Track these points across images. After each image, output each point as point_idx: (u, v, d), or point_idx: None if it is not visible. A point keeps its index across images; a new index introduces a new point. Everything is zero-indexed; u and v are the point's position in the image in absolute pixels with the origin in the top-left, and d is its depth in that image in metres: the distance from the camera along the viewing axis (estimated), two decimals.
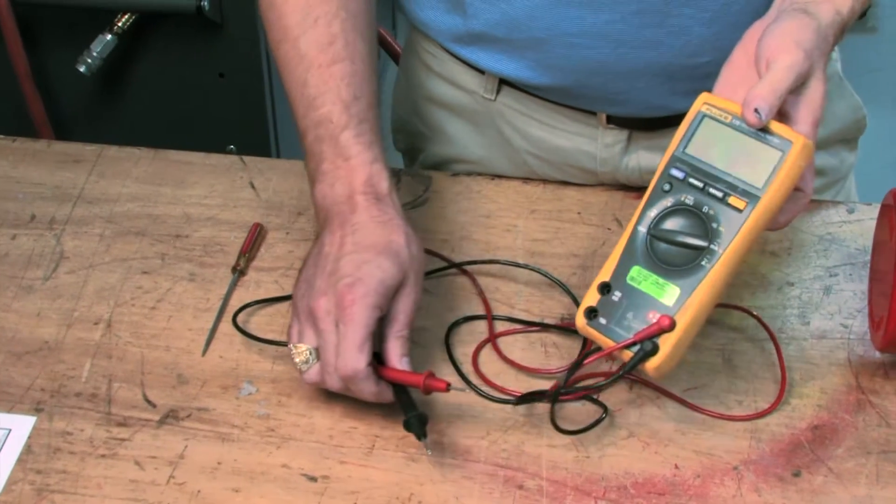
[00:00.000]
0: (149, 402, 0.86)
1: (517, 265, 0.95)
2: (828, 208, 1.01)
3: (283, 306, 0.93)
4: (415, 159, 1.18)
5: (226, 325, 0.92)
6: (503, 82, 1.04)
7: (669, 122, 1.01)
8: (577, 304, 0.91)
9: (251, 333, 0.90)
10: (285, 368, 0.88)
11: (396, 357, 0.82)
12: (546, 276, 0.94)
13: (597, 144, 1.03)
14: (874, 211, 0.94)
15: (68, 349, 0.90)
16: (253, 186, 1.05)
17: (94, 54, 1.43)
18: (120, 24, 1.43)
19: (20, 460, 0.82)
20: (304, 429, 0.84)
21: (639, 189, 1.04)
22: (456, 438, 0.83)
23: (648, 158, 1.04)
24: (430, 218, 1.01)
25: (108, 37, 1.43)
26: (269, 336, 0.90)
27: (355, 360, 0.79)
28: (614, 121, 1.02)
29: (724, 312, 0.91)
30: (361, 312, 0.79)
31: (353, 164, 0.85)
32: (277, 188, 1.05)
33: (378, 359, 0.83)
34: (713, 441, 0.83)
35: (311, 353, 0.81)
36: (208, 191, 1.04)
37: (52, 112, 1.54)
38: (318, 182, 0.86)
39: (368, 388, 0.80)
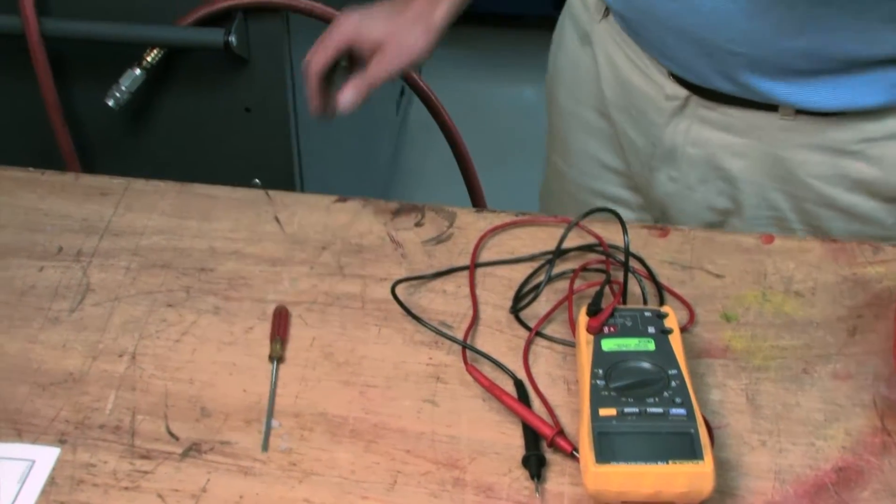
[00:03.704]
0: (172, 434, 0.87)
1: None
2: (853, 248, 1.01)
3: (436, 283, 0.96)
4: None
5: (250, 359, 0.92)
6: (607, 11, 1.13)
7: (725, 98, 1.04)
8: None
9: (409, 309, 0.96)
10: (308, 402, 0.88)
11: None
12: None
13: (661, 93, 1.09)
14: None
15: (93, 381, 0.91)
16: (278, 221, 1.05)
17: (123, 88, 1.44)
18: (149, 59, 1.44)
19: (44, 492, 0.82)
20: (326, 463, 0.84)
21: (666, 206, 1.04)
22: (478, 475, 0.83)
23: (698, 132, 1.08)
24: (454, 253, 1.01)
25: (137, 71, 1.44)
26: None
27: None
28: (674, 77, 1.07)
29: (749, 353, 0.91)
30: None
31: None
32: (302, 222, 1.05)
33: (521, 393, 0.89)
34: (737, 481, 0.82)
35: None
36: (233, 224, 1.05)
37: (81, 145, 1.55)
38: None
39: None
